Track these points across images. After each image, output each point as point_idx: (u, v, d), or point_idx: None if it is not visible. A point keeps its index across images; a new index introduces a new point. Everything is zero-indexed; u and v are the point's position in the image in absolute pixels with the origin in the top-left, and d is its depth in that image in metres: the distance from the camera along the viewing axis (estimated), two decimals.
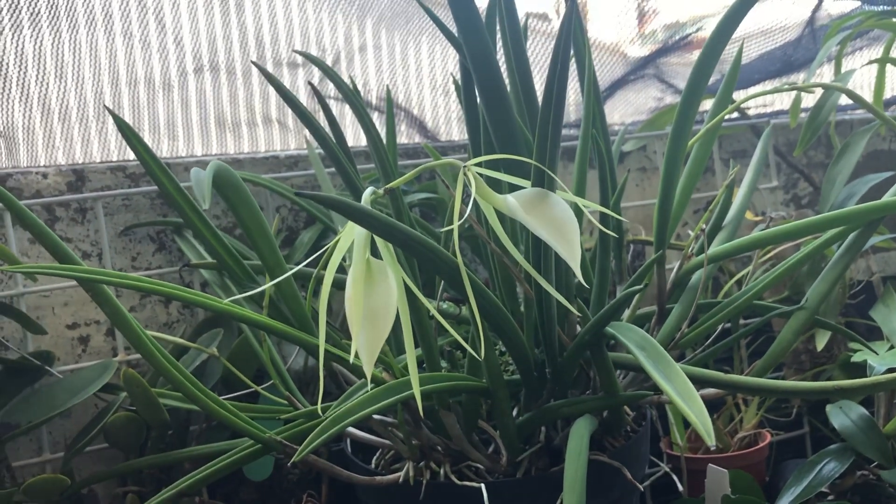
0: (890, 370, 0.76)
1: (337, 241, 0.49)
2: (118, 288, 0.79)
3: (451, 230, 0.48)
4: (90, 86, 0.96)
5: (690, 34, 1.18)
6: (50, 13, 0.92)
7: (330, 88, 1.08)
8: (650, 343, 0.52)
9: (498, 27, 0.66)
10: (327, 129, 0.67)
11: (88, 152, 0.96)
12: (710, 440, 0.42)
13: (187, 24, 1.02)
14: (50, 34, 0.92)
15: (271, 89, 1.08)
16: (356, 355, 0.44)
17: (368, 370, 0.43)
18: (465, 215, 0.48)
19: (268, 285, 0.57)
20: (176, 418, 0.80)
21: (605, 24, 1.25)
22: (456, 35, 0.62)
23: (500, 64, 0.64)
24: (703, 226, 0.68)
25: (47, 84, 0.94)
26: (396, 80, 1.17)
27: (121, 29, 0.97)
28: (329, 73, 0.69)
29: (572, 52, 0.74)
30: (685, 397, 0.45)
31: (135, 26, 0.98)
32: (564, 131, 1.17)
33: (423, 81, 1.18)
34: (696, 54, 0.68)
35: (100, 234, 0.85)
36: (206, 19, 1.03)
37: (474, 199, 0.49)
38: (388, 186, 0.52)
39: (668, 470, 0.84)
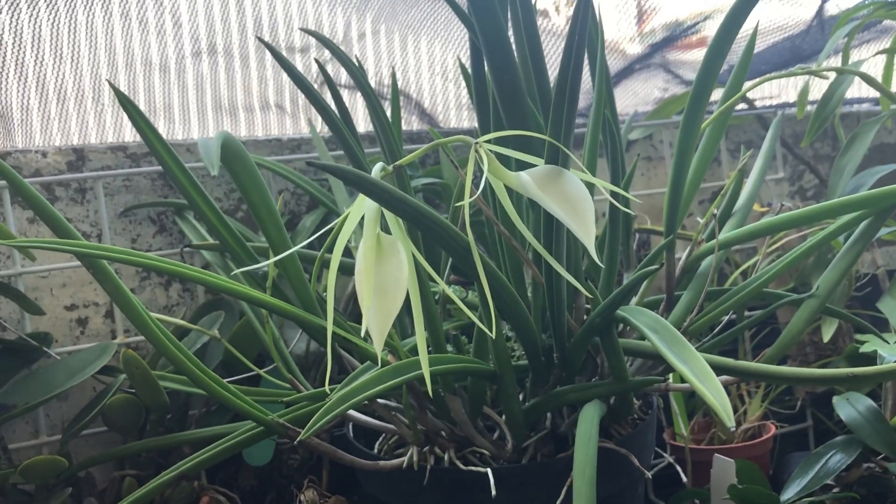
0: None
1: (344, 220, 0.48)
2: (118, 270, 0.78)
3: (457, 214, 0.47)
4: (88, 67, 0.94)
5: (693, 26, 1.17)
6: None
7: (338, 75, 1.07)
8: (663, 325, 0.51)
9: (509, 8, 0.65)
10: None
11: (86, 133, 0.95)
12: (730, 422, 0.41)
13: (186, 7, 1.00)
14: (48, 15, 0.91)
15: (269, 73, 1.08)
16: (366, 333, 0.42)
17: (379, 344, 0.42)
18: (476, 195, 0.47)
19: (271, 261, 0.55)
20: (175, 402, 0.79)
21: (604, 21, 1.24)
22: (467, 13, 0.61)
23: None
24: (715, 211, 0.67)
25: (45, 65, 0.92)
26: (398, 67, 1.16)
27: (119, 10, 0.96)
28: (336, 51, 0.68)
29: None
30: (702, 378, 0.44)
31: (133, 8, 0.97)
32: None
33: (421, 69, 1.17)
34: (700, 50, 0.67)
35: (99, 215, 0.84)
36: (206, 2, 1.02)
37: (484, 179, 0.48)
38: (397, 164, 0.51)
39: (671, 461, 0.83)
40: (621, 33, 1.23)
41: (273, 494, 0.83)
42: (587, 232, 0.46)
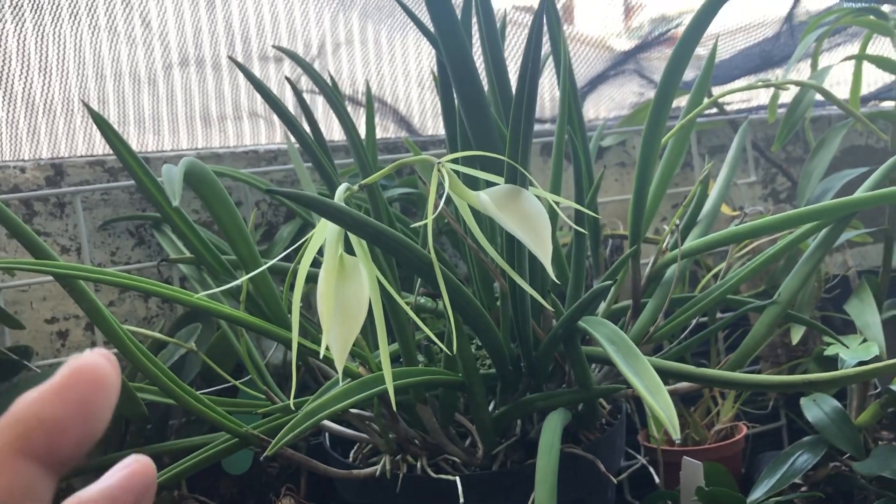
0: (861, 363, 0.77)
1: (310, 237, 0.49)
2: (97, 283, 0.79)
3: (430, 241, 0.48)
4: (74, 80, 0.95)
5: (671, 29, 1.18)
6: (33, 6, 0.92)
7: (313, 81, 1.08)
8: (620, 337, 0.53)
9: (475, 20, 0.66)
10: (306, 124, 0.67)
11: (73, 146, 0.96)
12: (676, 434, 0.42)
13: (172, 18, 1.01)
14: (14, 28, 0.92)
15: (244, 82, 1.09)
16: (328, 349, 0.44)
17: (340, 365, 0.43)
18: (439, 208, 0.48)
19: (243, 279, 0.57)
20: (155, 412, 0.80)
21: (591, 18, 1.26)
22: (432, 30, 0.62)
23: (478, 57, 0.65)
24: (678, 221, 0.69)
25: (31, 78, 0.93)
26: (382, 74, 1.17)
27: (89, 22, 0.97)
28: (305, 66, 0.69)
29: (550, 47, 0.74)
30: (652, 391, 0.46)
31: (102, 19, 0.97)
32: (546, 127, 1.18)
33: (409, 76, 1.18)
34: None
35: (78, 229, 0.85)
36: (192, 13, 1.03)
37: (445, 196, 0.50)
38: (362, 183, 0.52)
39: (645, 462, 0.85)
40: (608, 29, 1.24)
41: (253, 502, 0.84)
42: (543, 249, 0.48)
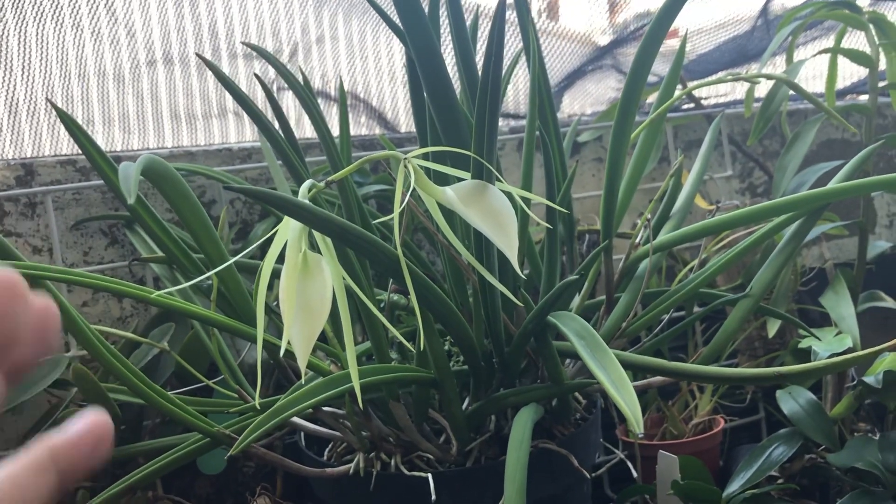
0: (834, 355, 0.77)
1: (275, 234, 0.49)
2: (69, 284, 0.79)
3: (402, 223, 0.48)
4: (40, 79, 0.95)
5: (647, 24, 1.18)
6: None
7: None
8: (589, 332, 0.53)
9: (443, 14, 0.66)
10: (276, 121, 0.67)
11: (39, 146, 0.95)
12: (638, 428, 0.42)
13: (139, 15, 1.01)
14: None
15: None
16: (289, 345, 0.44)
17: (303, 362, 0.43)
18: (404, 203, 0.48)
19: (205, 276, 0.56)
20: (129, 413, 0.80)
21: (575, 14, 1.26)
22: (400, 27, 0.62)
23: (448, 51, 0.64)
24: (649, 216, 0.69)
25: None
26: (355, 71, 1.16)
27: (71, 21, 0.96)
28: (277, 66, 0.69)
29: (520, 42, 0.74)
30: (618, 385, 0.46)
31: (85, 17, 0.97)
32: (523, 122, 1.18)
33: (382, 72, 1.18)
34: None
35: (50, 229, 0.84)
36: (159, 10, 1.02)
37: (411, 192, 0.49)
38: (329, 179, 0.52)
39: (623, 457, 0.85)
40: (593, 25, 1.24)
41: (230, 502, 0.84)
42: (510, 244, 0.47)
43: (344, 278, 0.48)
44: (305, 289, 0.44)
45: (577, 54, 1.22)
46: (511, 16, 1.21)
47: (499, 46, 0.48)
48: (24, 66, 0.94)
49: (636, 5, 1.27)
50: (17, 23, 0.94)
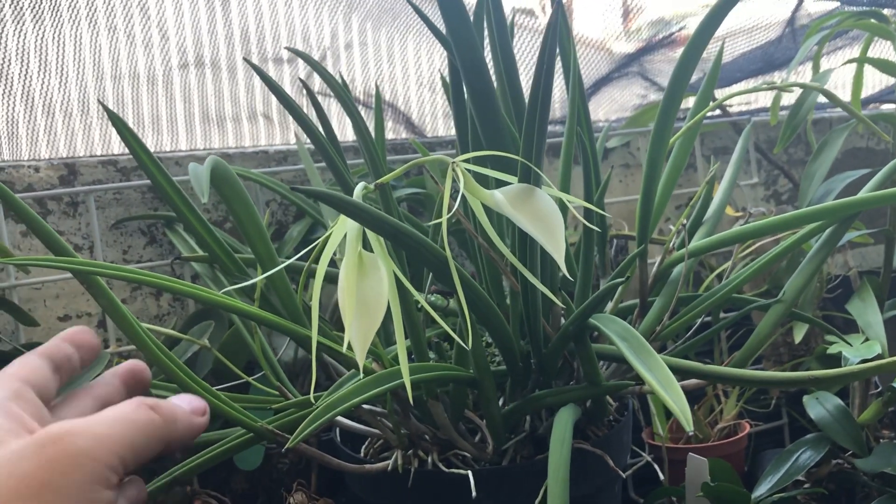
0: (863, 361, 0.78)
1: (329, 235, 0.50)
2: (109, 281, 0.80)
3: (439, 224, 0.49)
4: (74, 81, 0.97)
5: (674, 33, 1.20)
6: (33, 8, 0.93)
7: (316, 83, 1.09)
8: (632, 333, 0.54)
9: (486, 24, 0.68)
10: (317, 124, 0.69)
11: (73, 147, 0.97)
12: (689, 427, 0.43)
13: (172, 20, 1.03)
14: (33, 29, 0.93)
15: (256, 84, 1.10)
16: (349, 346, 0.45)
17: (361, 359, 0.44)
18: (454, 209, 0.50)
19: (260, 277, 0.58)
20: None
21: (590, 20, 1.27)
22: (444, 33, 0.63)
23: (487, 60, 0.66)
24: (684, 221, 0.70)
25: (30, 79, 0.94)
26: (383, 77, 1.18)
27: (106, 24, 0.98)
28: (318, 68, 0.70)
29: (558, 50, 0.75)
30: (665, 386, 0.47)
31: (120, 21, 0.99)
32: (550, 128, 1.19)
33: (409, 78, 1.20)
34: (679, 52, 0.70)
35: (91, 228, 0.86)
36: (192, 14, 1.04)
37: (462, 194, 0.51)
38: (378, 182, 0.53)
39: (649, 460, 0.86)
40: (608, 32, 1.26)
41: (264, 497, 0.85)
42: (557, 247, 0.49)
43: (396, 276, 0.49)
44: (363, 287, 0.45)
45: (598, 61, 1.23)
46: (533, 23, 1.23)
47: (551, 51, 0.49)
48: (60, 69, 0.96)
49: (650, 12, 1.28)
50: (53, 25, 0.96)
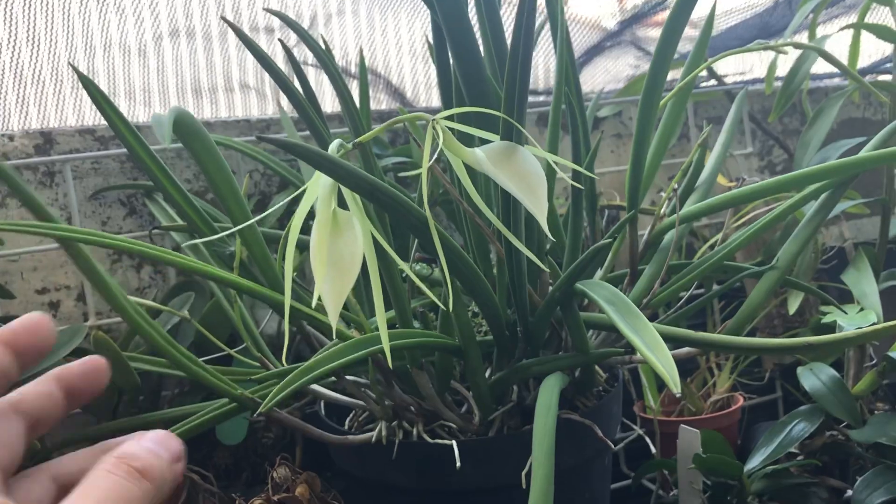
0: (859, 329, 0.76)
1: (302, 193, 0.48)
2: (92, 251, 0.79)
3: (423, 194, 0.48)
4: (46, 49, 0.94)
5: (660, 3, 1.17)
6: None
7: (306, 55, 1.07)
8: (619, 298, 0.52)
9: None
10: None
11: (63, 117, 0.95)
12: (676, 388, 0.42)
13: None
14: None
15: (247, 55, 1.08)
16: (320, 301, 0.43)
17: (333, 319, 0.43)
18: (432, 160, 0.47)
19: (231, 230, 0.56)
20: (147, 382, 0.80)
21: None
22: None
23: (473, 23, 0.64)
24: (675, 186, 0.68)
25: (19, 48, 0.92)
26: (375, 47, 1.16)
27: None
28: (303, 33, 0.68)
29: (546, 11, 0.73)
30: (653, 348, 0.45)
31: None
32: (540, 98, 1.17)
33: (401, 48, 1.17)
34: None
35: (69, 198, 0.84)
36: None
37: (439, 154, 0.49)
38: (356, 140, 0.51)
39: (641, 433, 0.85)
40: (602, 9, 1.23)
41: (248, 472, 0.84)
42: (539, 206, 0.47)
43: (374, 238, 0.47)
44: (336, 245, 0.44)
45: (588, 40, 1.21)
46: None
47: (531, 11, 0.47)
48: (48, 39, 0.93)
49: None
50: None
